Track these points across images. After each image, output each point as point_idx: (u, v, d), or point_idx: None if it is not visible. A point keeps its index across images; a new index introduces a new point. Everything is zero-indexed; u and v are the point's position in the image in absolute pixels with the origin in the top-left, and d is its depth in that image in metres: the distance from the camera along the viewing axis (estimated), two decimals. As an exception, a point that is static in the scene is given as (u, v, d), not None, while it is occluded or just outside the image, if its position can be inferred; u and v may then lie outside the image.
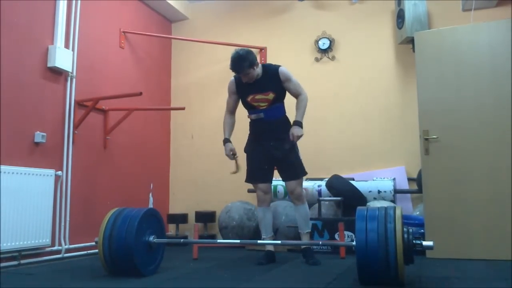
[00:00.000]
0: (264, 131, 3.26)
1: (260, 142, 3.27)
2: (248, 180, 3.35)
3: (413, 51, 3.88)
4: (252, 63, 3.13)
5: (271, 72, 3.24)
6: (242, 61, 3.10)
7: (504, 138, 3.33)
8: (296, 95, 3.27)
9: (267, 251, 3.25)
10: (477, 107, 3.44)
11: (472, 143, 3.42)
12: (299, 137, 3.17)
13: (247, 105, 3.33)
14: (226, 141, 3.35)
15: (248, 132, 3.40)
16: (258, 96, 3.23)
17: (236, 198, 4.56)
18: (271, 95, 3.21)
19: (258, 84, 3.22)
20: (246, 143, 3.40)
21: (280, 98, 3.26)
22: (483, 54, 3.48)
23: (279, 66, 3.28)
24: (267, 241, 3.10)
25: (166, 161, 5.14)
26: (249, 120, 3.38)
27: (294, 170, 3.25)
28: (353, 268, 2.43)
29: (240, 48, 3.25)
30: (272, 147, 3.22)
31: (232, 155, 3.30)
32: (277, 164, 3.31)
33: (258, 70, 3.21)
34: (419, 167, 3.71)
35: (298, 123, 3.20)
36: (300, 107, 3.25)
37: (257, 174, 3.29)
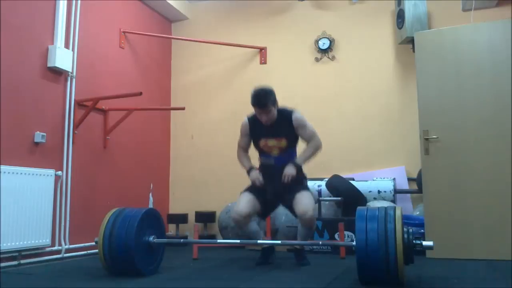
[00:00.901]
0: (273, 175, 3.08)
1: (268, 185, 3.10)
2: (247, 188, 3.16)
3: (413, 51, 3.88)
4: (275, 101, 3.05)
5: (285, 117, 3.10)
6: (268, 95, 3.01)
7: (504, 138, 3.33)
8: (309, 141, 3.14)
9: (263, 248, 3.22)
10: (477, 107, 3.44)
11: (472, 143, 3.42)
12: (289, 176, 2.97)
13: (259, 149, 3.22)
14: (251, 169, 3.14)
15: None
16: (271, 142, 3.12)
17: (236, 198, 4.51)
18: (283, 142, 3.10)
19: (272, 128, 3.09)
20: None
21: (292, 144, 3.14)
22: (483, 54, 3.48)
23: (292, 111, 3.13)
24: (267, 241, 3.09)
25: (166, 161, 5.14)
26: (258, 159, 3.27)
27: (302, 193, 2.99)
28: (353, 268, 2.42)
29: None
30: (277, 191, 3.06)
31: (261, 180, 3.08)
32: (282, 200, 3.11)
33: (275, 112, 3.09)
34: (419, 167, 3.71)
35: (294, 163, 3.03)
36: (306, 150, 3.11)
37: (259, 191, 3.09)
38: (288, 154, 3.12)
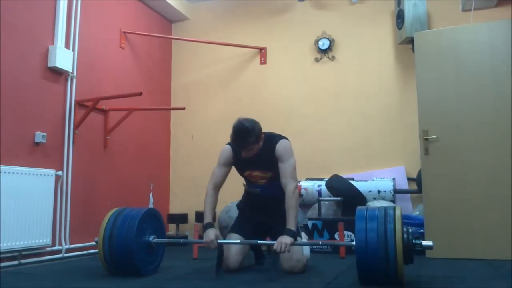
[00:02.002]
0: (259, 206, 2.93)
1: (254, 217, 2.95)
2: (234, 228, 2.96)
3: (413, 51, 3.89)
4: (258, 138, 2.69)
5: (270, 148, 2.74)
6: (248, 135, 2.63)
7: (504, 138, 3.33)
8: (284, 183, 2.69)
9: (254, 248, 3.21)
10: (476, 107, 3.44)
11: (472, 143, 3.42)
12: (286, 245, 2.52)
13: (243, 177, 2.97)
14: (208, 226, 2.72)
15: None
16: (256, 173, 2.85)
17: (236, 198, 4.51)
18: (269, 174, 2.82)
19: (257, 160, 2.77)
20: (241, 201, 3.11)
21: (279, 175, 2.77)
22: (482, 54, 3.48)
23: (279, 140, 2.78)
24: (266, 242, 3.07)
25: (166, 161, 5.14)
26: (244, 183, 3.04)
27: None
28: (353, 268, 2.43)
29: (244, 119, 2.71)
30: (264, 223, 2.88)
31: (216, 242, 2.66)
32: (270, 235, 2.87)
33: (259, 145, 2.75)
34: (419, 167, 3.71)
35: (289, 232, 2.57)
36: (290, 208, 2.63)
37: (246, 226, 2.91)
38: (276, 186, 2.79)
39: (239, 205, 3.12)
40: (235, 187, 4.58)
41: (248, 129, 2.63)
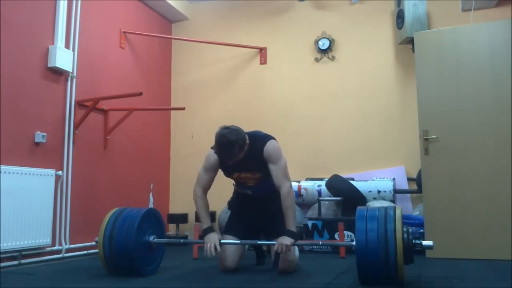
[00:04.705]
0: (251, 206, 2.91)
1: (246, 216, 2.93)
2: (227, 228, 2.95)
3: (413, 51, 3.89)
4: (242, 146, 2.59)
5: (257, 150, 2.68)
6: (231, 148, 2.54)
7: (504, 138, 3.33)
8: (278, 185, 2.65)
9: (255, 248, 3.26)
10: (476, 107, 3.45)
11: (472, 143, 3.42)
12: (288, 247, 2.55)
13: (233, 179, 2.93)
14: (209, 230, 2.73)
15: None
16: (245, 175, 2.79)
17: (236, 198, 4.56)
18: (258, 175, 2.76)
19: (245, 162, 2.69)
20: (232, 199, 3.08)
21: (268, 174, 2.70)
22: (482, 54, 3.48)
23: (266, 142, 2.70)
24: (266, 242, 3.07)
25: (166, 161, 5.14)
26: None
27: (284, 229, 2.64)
28: (353, 268, 2.43)
29: (226, 128, 2.60)
30: (257, 222, 2.90)
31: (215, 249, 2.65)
32: (264, 230, 2.93)
33: (244, 151, 2.65)
34: (419, 167, 3.71)
35: (289, 233, 2.59)
36: (288, 209, 2.63)
37: (239, 226, 2.90)
38: (265, 184, 2.78)
39: (231, 205, 3.10)
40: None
41: (232, 142, 2.53)
